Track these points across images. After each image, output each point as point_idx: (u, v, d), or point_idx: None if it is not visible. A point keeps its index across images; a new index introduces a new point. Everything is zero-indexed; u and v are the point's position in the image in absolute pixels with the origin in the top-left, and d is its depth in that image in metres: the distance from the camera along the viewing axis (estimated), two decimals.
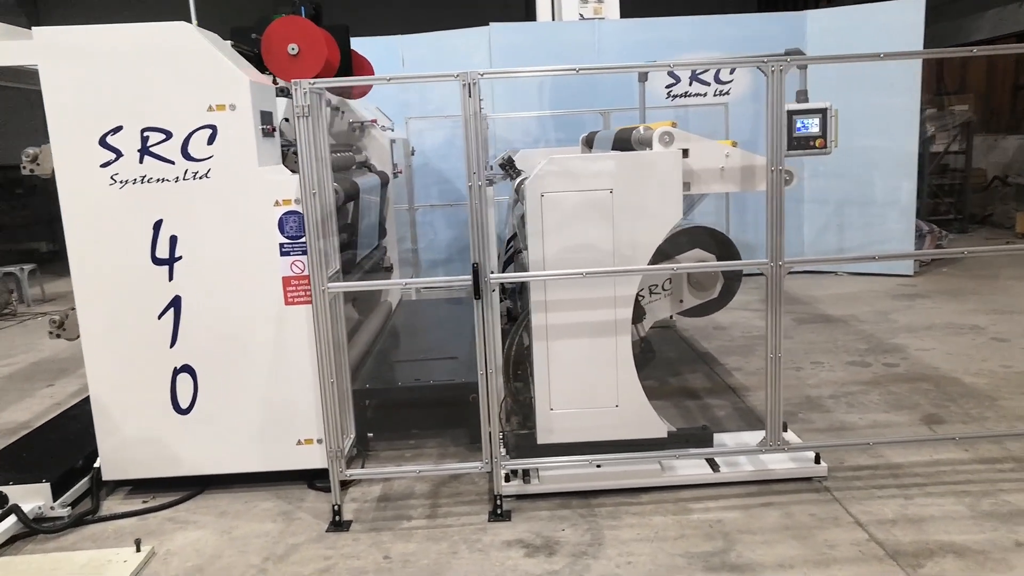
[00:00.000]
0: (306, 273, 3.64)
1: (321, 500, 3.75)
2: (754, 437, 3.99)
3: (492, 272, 3.88)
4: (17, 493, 3.58)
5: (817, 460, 3.71)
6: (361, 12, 14.56)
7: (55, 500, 3.64)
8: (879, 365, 5.36)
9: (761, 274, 3.49)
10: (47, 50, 3.50)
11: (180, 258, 3.67)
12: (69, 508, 3.70)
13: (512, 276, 3.52)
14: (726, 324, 6.67)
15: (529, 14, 9.25)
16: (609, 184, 3.47)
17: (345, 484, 3.87)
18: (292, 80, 3.26)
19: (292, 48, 4.09)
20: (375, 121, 6.08)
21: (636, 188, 3.47)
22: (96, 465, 3.87)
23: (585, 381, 3.63)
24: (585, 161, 3.51)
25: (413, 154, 7.85)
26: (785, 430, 4.09)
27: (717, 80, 8.47)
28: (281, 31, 4.08)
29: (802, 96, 5.32)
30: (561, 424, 3.66)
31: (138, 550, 3.29)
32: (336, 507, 3.50)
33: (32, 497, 3.60)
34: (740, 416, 4.57)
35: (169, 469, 3.84)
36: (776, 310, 3.42)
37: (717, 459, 3.77)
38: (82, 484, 3.85)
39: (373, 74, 5.74)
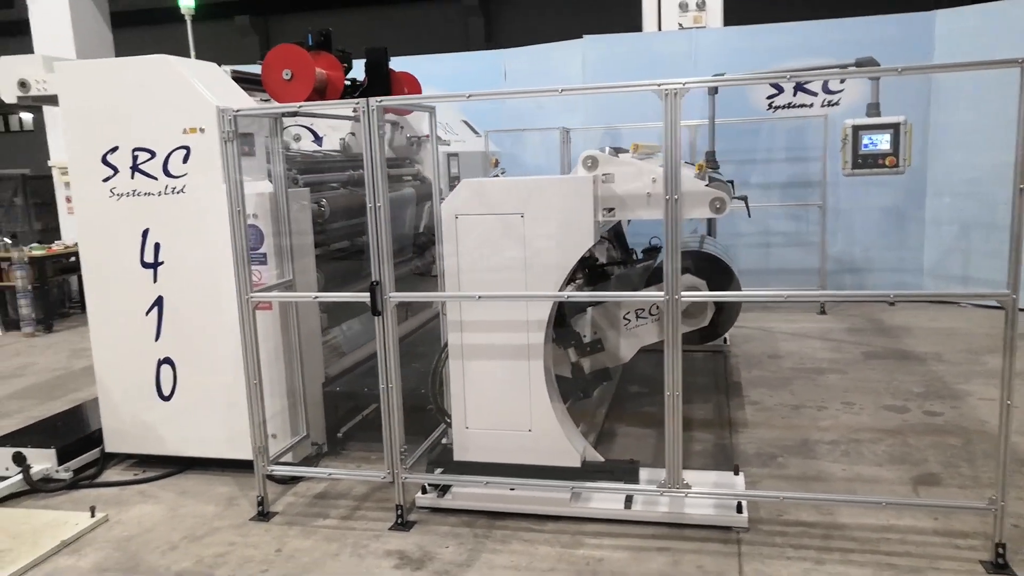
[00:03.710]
0: (263, 281, 3.99)
1: (271, 489, 4.05)
2: (701, 477, 3.79)
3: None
4: (30, 456, 4.24)
5: (739, 509, 3.45)
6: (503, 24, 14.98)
7: (60, 464, 4.27)
8: (918, 412, 4.77)
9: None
10: (64, 81, 4.11)
11: (163, 263, 4.15)
12: (71, 473, 4.31)
13: (408, 295, 3.61)
14: (784, 353, 6.22)
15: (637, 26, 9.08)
16: (520, 208, 3.46)
17: (295, 479, 4.17)
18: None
19: (286, 73, 4.45)
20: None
21: (546, 213, 3.43)
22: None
23: (499, 402, 3.64)
24: (498, 184, 3.52)
25: (496, 165, 8.02)
26: (736, 473, 3.83)
27: (825, 90, 7.85)
28: (276, 58, 4.45)
29: (873, 109, 4.90)
30: (476, 443, 3.70)
31: (92, 516, 3.79)
32: (260, 498, 3.80)
33: (41, 460, 4.25)
34: (714, 453, 4.30)
35: (156, 448, 4.36)
36: (674, 345, 3.23)
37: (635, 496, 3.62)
38: (92, 453, 4.47)
39: (421, 92, 6.02)
